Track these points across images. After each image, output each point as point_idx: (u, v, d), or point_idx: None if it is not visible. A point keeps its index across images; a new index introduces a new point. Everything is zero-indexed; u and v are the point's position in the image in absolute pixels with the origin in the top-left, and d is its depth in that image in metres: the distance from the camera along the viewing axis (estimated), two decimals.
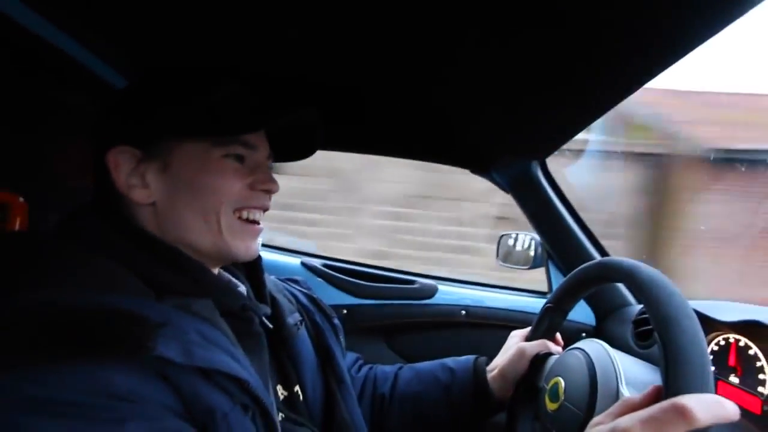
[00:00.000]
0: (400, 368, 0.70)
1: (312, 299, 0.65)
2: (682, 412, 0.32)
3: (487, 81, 0.60)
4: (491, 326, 1.04)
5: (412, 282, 1.10)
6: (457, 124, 0.80)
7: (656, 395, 0.38)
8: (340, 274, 1.10)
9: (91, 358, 0.32)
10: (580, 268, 0.57)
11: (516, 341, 0.67)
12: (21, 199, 0.52)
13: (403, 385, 0.67)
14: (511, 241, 1.13)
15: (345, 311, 1.06)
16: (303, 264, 1.12)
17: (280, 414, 0.48)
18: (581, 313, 0.99)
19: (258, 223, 0.49)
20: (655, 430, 0.33)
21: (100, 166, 0.45)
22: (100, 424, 0.30)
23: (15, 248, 0.40)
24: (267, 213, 0.51)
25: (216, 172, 0.45)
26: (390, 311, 1.07)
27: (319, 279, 1.09)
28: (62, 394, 0.30)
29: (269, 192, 0.49)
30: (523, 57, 0.52)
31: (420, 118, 0.79)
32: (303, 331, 0.58)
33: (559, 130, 0.75)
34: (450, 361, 0.69)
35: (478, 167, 1.01)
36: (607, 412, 0.40)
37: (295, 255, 1.16)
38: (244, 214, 0.47)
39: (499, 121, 0.76)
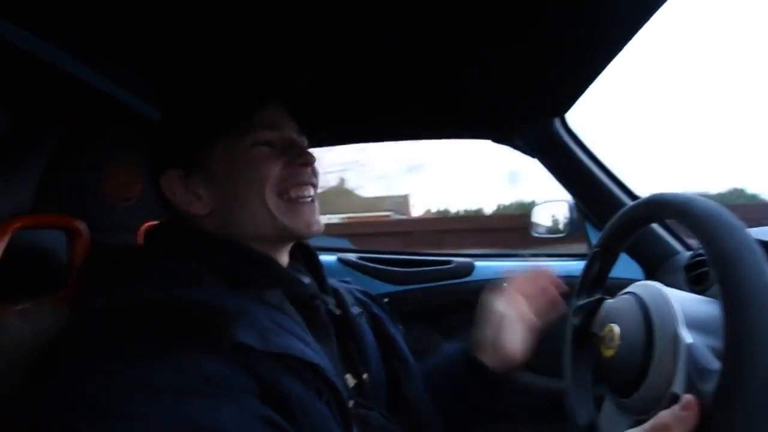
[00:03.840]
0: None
1: (366, 293, 0.68)
2: None
3: (491, 40, 0.59)
4: None
5: (448, 262, 1.10)
6: (470, 94, 0.79)
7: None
8: (377, 264, 1.12)
9: (180, 346, 0.34)
10: (628, 206, 0.54)
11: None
12: (82, 224, 0.57)
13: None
14: (544, 211, 1.11)
15: (386, 300, 1.07)
16: (339, 260, 1.15)
17: (351, 401, 0.48)
18: (629, 269, 0.95)
19: (308, 198, 0.50)
20: None
21: (160, 194, 0.49)
22: (197, 403, 0.32)
23: (111, 258, 0.46)
24: None
25: (250, 162, 0.47)
26: (431, 294, 1.08)
27: (358, 272, 1.11)
28: (159, 379, 0.32)
29: (306, 164, 0.50)
30: (525, 6, 0.51)
31: (432, 95, 0.79)
32: (364, 321, 0.60)
33: (574, 81, 0.73)
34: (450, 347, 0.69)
35: (499, 135, 1.00)
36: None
37: (330, 252, 1.19)
38: (291, 194, 0.49)
39: (512, 82, 0.74)
